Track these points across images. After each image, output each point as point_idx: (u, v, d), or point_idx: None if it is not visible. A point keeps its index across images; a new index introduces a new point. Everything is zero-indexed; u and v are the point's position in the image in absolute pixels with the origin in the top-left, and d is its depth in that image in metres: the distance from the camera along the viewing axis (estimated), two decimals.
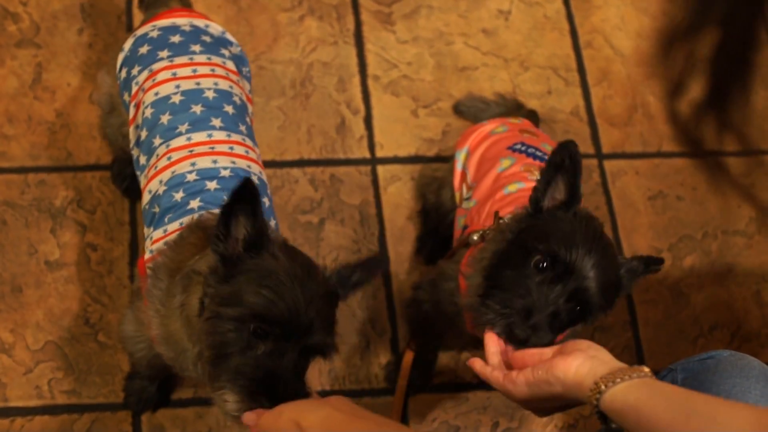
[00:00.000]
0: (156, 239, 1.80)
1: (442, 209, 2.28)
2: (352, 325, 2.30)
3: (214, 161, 1.84)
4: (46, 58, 2.48)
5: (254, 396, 1.48)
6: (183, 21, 2.03)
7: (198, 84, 1.92)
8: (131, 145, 1.98)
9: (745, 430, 1.24)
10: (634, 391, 1.36)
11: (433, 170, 2.41)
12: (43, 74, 2.46)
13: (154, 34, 2.00)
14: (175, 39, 1.98)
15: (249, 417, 1.47)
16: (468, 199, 2.09)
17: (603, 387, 1.38)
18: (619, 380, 1.37)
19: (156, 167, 1.86)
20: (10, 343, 2.19)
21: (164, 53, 1.96)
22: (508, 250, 1.74)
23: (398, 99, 2.59)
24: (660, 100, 2.68)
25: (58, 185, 2.35)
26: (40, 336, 2.20)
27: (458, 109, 2.57)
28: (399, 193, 2.47)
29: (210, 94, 1.92)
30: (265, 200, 1.88)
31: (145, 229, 1.88)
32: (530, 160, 2.05)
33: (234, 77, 1.99)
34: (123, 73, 2.01)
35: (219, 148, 1.86)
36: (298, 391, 1.49)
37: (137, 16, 2.43)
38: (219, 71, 1.96)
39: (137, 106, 1.95)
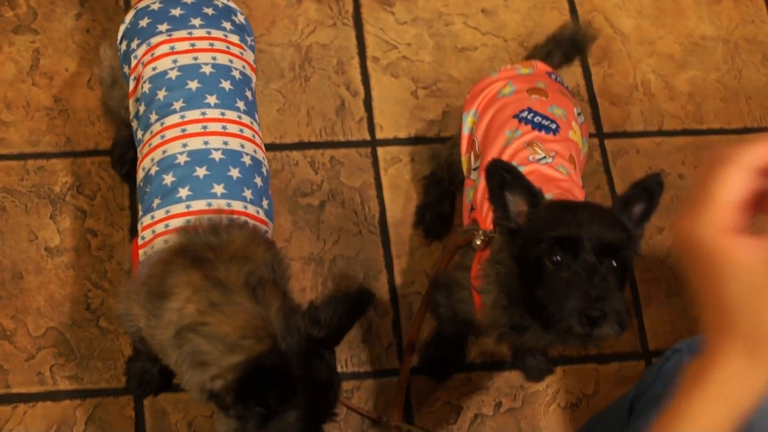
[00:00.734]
0: (145, 225, 1.79)
1: (454, 167, 2.23)
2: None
3: (206, 142, 1.83)
4: (43, 44, 2.47)
5: None
6: None
7: (195, 59, 1.91)
8: (131, 117, 1.98)
9: None
10: None
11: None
12: (40, 60, 2.45)
13: (155, 6, 1.99)
14: (176, 12, 1.97)
15: None
16: (476, 169, 2.07)
17: None
18: None
19: (150, 144, 1.86)
20: (12, 329, 2.18)
21: (163, 27, 1.95)
22: (518, 271, 1.75)
23: (398, 80, 2.57)
24: (661, 79, 2.67)
25: (58, 171, 2.34)
26: (42, 322, 2.20)
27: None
28: (399, 175, 2.46)
29: (207, 70, 1.91)
30: (258, 180, 1.87)
31: (140, 207, 1.87)
32: (536, 132, 2.02)
33: (236, 50, 1.98)
34: (123, 46, 2.00)
35: (211, 127, 1.85)
36: None
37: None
38: (218, 45, 1.95)
39: (137, 80, 1.95)
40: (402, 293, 2.32)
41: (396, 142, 2.50)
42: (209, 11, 2.00)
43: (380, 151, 2.48)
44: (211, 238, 1.68)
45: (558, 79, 2.19)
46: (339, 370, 2.20)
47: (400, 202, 2.43)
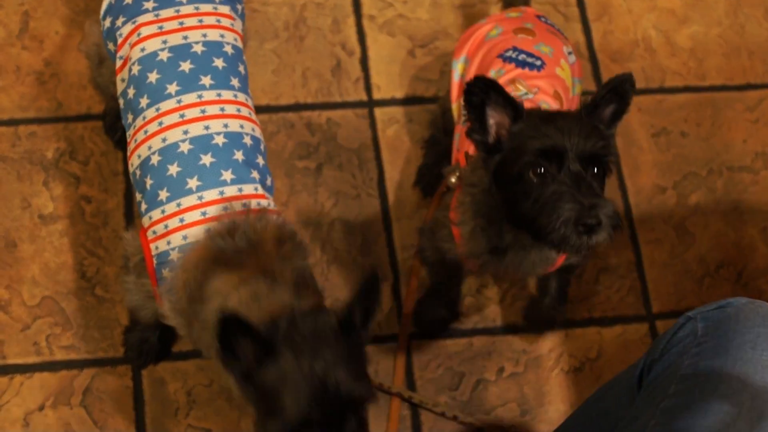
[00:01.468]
0: (156, 220, 1.76)
1: (447, 114, 2.21)
2: (353, 271, 2.27)
3: (206, 127, 1.79)
4: (32, 6, 2.42)
5: None
6: None
7: (186, 38, 1.86)
8: (118, 93, 1.93)
9: None
10: None
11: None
12: (30, 23, 2.40)
13: None
14: None
15: None
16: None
17: None
18: None
19: (146, 131, 1.81)
20: (6, 299, 2.15)
21: (150, 4, 1.89)
22: (496, 188, 1.76)
23: (394, 39, 2.53)
24: (662, 34, 2.62)
25: (50, 137, 2.30)
26: (37, 291, 2.17)
27: None
28: (397, 136, 2.42)
29: (198, 48, 1.86)
30: (260, 160, 1.85)
31: (137, 194, 1.84)
32: (519, 69, 2.02)
33: (227, 21, 1.93)
34: (107, 23, 1.94)
35: (210, 110, 1.81)
36: None
37: None
38: (208, 20, 1.90)
39: (124, 60, 1.90)
40: (402, 257, 2.30)
41: (394, 102, 2.46)
42: None
43: (378, 111, 2.44)
44: (240, 242, 1.67)
45: (548, 21, 2.19)
46: None
47: (399, 164, 2.39)
